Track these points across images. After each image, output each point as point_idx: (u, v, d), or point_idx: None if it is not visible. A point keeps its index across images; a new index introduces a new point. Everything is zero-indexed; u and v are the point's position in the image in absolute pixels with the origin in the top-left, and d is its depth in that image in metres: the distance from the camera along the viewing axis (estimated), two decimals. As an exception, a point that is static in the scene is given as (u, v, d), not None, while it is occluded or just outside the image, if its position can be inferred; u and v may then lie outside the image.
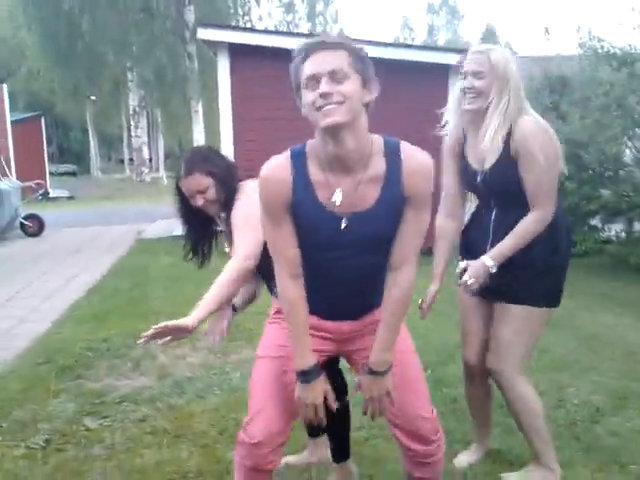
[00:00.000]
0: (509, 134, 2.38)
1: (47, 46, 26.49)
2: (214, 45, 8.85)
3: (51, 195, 22.44)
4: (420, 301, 2.61)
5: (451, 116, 2.60)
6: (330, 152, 1.76)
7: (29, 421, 3.36)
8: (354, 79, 1.70)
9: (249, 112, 8.74)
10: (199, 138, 24.29)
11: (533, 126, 2.36)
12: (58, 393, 3.74)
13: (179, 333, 2.11)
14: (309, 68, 1.70)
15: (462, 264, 2.47)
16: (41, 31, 25.97)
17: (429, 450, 2.07)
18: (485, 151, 2.43)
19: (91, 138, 40.56)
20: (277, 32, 10.29)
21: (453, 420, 3.25)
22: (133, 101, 27.78)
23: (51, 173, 28.18)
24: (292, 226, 1.84)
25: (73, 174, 35.79)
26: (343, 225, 1.81)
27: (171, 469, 2.85)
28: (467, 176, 2.58)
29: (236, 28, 9.57)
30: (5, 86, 11.92)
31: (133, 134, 28.77)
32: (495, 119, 2.38)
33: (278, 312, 2.11)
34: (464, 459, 2.88)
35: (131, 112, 28.61)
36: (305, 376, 1.91)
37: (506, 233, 2.42)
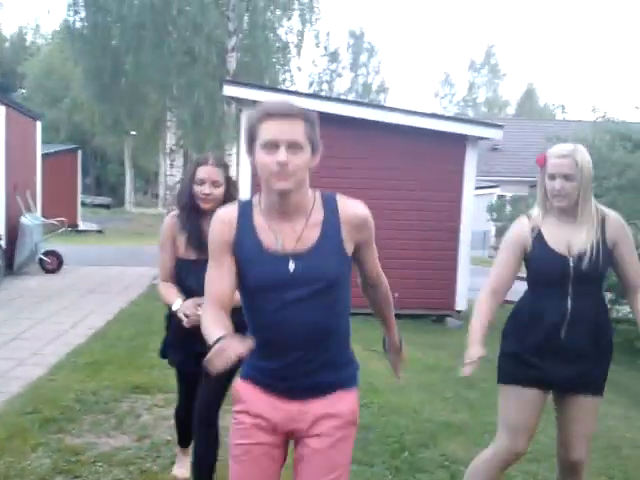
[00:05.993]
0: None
1: (91, 80, 27.26)
2: (239, 101, 9.09)
3: (81, 228, 22.88)
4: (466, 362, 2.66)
5: (536, 209, 2.78)
6: (275, 204, 1.94)
7: (1, 476, 3.42)
8: (306, 150, 1.89)
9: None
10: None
11: (619, 217, 2.69)
12: (37, 447, 3.80)
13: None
14: (269, 132, 1.85)
15: None
16: (86, 65, 26.74)
17: None
18: (578, 240, 2.63)
19: (127, 172, 41.37)
20: (299, 93, 10.55)
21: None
22: (170, 140, 28.23)
23: (85, 204, 28.66)
24: (231, 268, 1.99)
25: (107, 207, 36.32)
26: (290, 265, 1.94)
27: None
28: (549, 261, 2.67)
29: (260, 87, 9.82)
30: (39, 123, 12.23)
31: (168, 172, 29.16)
32: (587, 215, 2.63)
33: (238, 410, 2.08)
34: None
35: (167, 151, 29.07)
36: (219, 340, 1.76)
37: (583, 321, 2.60)
